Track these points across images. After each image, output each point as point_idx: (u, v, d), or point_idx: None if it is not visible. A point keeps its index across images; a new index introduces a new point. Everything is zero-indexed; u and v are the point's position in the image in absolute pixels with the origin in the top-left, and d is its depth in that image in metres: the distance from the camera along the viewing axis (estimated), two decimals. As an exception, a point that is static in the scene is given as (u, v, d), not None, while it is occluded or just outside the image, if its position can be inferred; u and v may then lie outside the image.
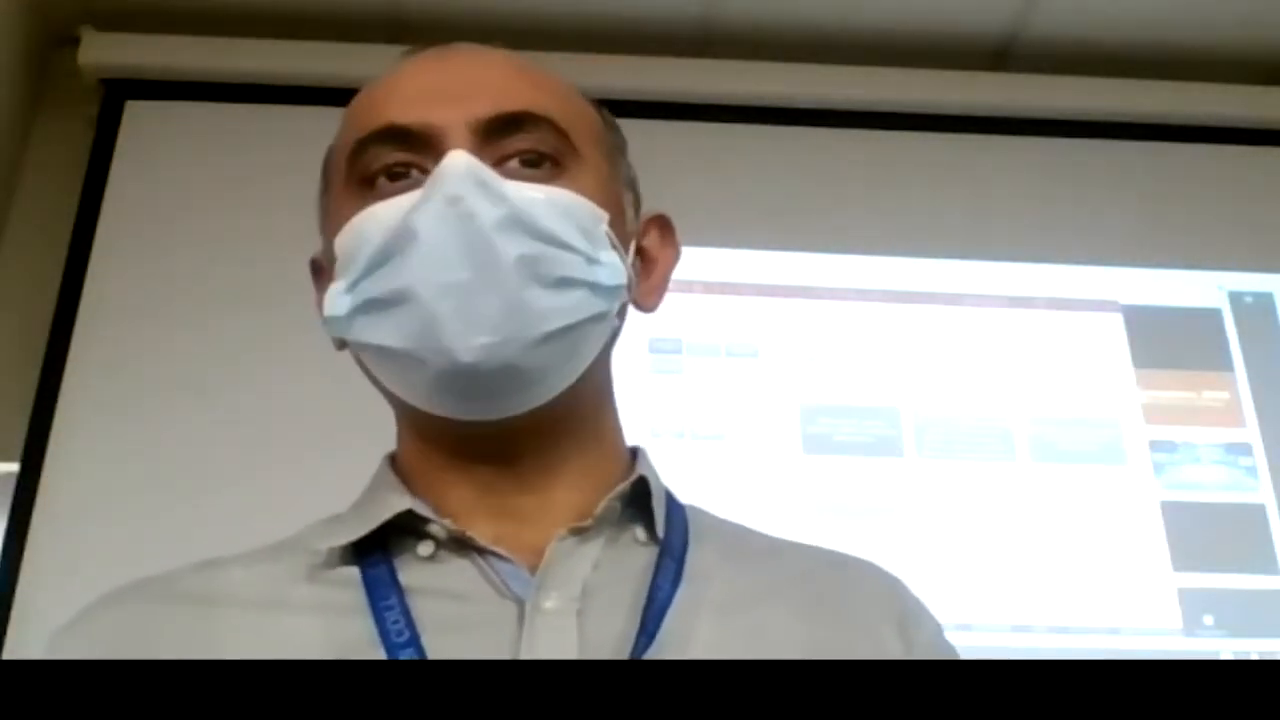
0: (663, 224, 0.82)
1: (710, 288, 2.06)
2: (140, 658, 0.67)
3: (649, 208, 0.82)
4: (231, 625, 0.69)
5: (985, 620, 1.89)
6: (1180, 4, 2.22)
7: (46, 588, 1.76)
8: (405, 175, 0.71)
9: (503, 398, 0.70)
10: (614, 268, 0.72)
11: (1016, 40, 2.29)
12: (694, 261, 2.00)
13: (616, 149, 0.80)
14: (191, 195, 2.05)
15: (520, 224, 0.68)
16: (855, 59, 2.24)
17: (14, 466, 1.88)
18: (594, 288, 0.71)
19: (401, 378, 0.71)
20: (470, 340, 0.67)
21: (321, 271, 0.76)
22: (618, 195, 0.77)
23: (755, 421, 2.00)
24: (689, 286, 2.01)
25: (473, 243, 0.67)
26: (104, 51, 2.13)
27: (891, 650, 0.73)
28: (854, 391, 2.04)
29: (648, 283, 0.80)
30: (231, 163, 2.08)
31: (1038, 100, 2.28)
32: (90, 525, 1.79)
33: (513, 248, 0.67)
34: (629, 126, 0.83)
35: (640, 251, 0.80)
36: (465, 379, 0.68)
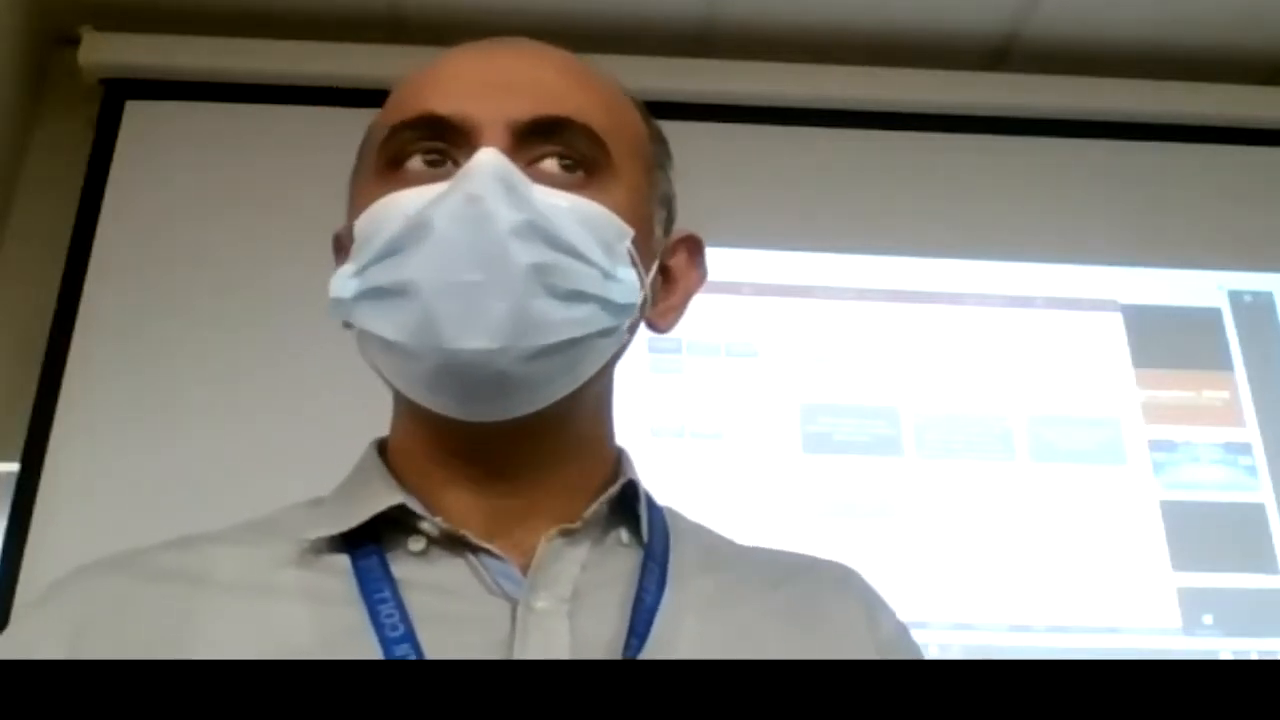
0: (692, 246, 0.81)
1: (710, 287, 2.04)
2: (114, 634, 0.66)
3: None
4: (214, 607, 0.68)
5: (984, 620, 1.89)
6: (1180, 4, 2.21)
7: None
8: (440, 164, 0.70)
9: (496, 401, 0.69)
10: (629, 285, 0.70)
11: (1016, 40, 2.29)
12: (694, 261, 2.03)
13: (657, 164, 0.79)
14: (191, 195, 2.05)
15: (539, 231, 0.67)
16: (855, 59, 2.24)
17: (14, 466, 1.88)
18: (606, 304, 0.69)
19: (397, 370, 0.70)
20: (467, 343, 0.66)
21: (342, 249, 0.75)
22: (649, 212, 0.76)
23: (755, 421, 2.00)
24: (689, 286, 2.00)
25: (487, 245, 0.66)
26: (104, 51, 2.13)
27: (866, 647, 0.74)
28: (854, 391, 2.04)
29: (666, 302, 0.78)
30: (231, 163, 2.08)
31: (1038, 100, 2.27)
32: (90, 525, 1.79)
33: (527, 255, 0.66)
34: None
35: (665, 270, 0.79)
36: (458, 380, 0.68)
